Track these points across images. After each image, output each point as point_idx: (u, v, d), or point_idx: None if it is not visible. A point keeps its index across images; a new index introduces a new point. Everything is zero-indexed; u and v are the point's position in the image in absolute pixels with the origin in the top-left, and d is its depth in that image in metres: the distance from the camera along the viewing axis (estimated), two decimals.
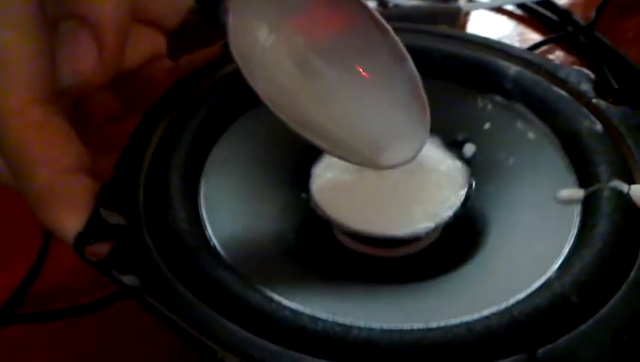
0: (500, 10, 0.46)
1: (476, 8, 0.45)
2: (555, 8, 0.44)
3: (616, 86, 0.38)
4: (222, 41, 0.28)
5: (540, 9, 0.44)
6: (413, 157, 0.23)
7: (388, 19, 0.25)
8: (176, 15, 0.28)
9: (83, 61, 0.21)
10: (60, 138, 0.22)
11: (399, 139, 0.24)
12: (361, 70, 0.24)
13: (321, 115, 0.23)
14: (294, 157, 0.25)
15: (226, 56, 0.26)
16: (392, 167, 0.23)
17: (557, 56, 0.42)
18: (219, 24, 0.31)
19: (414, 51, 0.27)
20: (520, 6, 0.45)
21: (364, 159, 0.23)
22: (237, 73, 0.25)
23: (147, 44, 0.28)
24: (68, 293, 0.30)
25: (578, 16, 0.44)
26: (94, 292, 0.29)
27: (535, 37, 0.44)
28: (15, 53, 0.21)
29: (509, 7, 0.46)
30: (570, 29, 0.43)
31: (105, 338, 0.29)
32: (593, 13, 0.43)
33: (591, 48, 0.41)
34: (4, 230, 0.34)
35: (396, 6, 0.40)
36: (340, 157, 0.23)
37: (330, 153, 0.23)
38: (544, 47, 0.42)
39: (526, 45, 0.42)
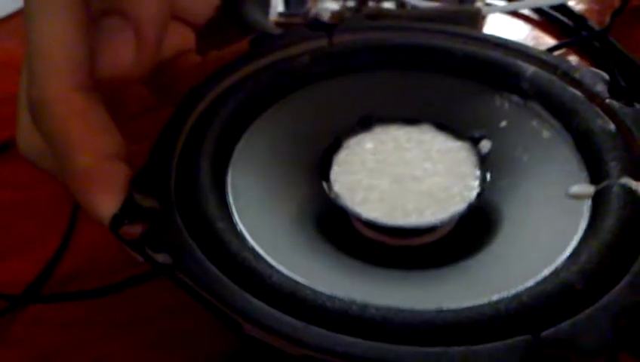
0: (516, 13, 0.47)
1: (493, 12, 0.46)
2: (570, 13, 0.45)
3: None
4: (249, 38, 0.29)
5: (556, 14, 0.45)
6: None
7: (411, 19, 0.26)
8: (205, 12, 0.30)
9: (122, 55, 0.22)
10: (100, 125, 0.23)
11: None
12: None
13: None
14: (317, 148, 0.26)
15: (253, 53, 0.28)
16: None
17: (571, 60, 0.43)
18: (243, 22, 0.32)
19: (437, 50, 0.28)
20: (536, 10, 0.47)
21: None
22: (263, 69, 0.27)
23: (178, 39, 0.29)
24: (94, 273, 0.32)
25: (593, 21, 0.45)
26: (118, 273, 0.30)
27: (550, 41, 0.45)
28: (59, 42, 0.23)
29: (525, 11, 0.47)
30: (584, 33, 0.44)
31: (127, 316, 0.30)
32: (608, 19, 0.44)
33: (604, 53, 0.42)
34: (31, 215, 0.36)
35: (414, 7, 0.41)
36: None
37: None
38: (559, 52, 0.43)
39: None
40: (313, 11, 0.48)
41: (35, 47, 0.23)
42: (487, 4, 0.47)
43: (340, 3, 0.47)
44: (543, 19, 0.46)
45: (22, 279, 0.32)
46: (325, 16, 0.47)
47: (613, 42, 0.42)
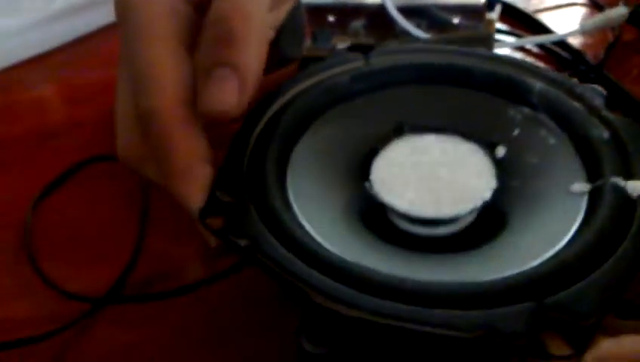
0: (521, 48, 0.52)
1: (502, 47, 0.52)
2: (569, 48, 0.50)
3: None
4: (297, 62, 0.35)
5: (556, 49, 0.50)
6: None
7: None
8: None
9: (229, 97, 0.28)
10: (195, 133, 0.28)
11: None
12: None
13: None
14: (359, 152, 0.31)
15: (303, 74, 0.33)
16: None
17: None
18: (282, 56, 0.37)
19: (459, 69, 0.33)
20: (538, 45, 0.52)
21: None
22: (311, 87, 0.32)
23: None
24: (162, 280, 0.36)
25: (590, 55, 0.50)
26: (183, 280, 0.35)
27: None
28: (162, 63, 0.28)
29: (529, 46, 0.52)
30: (582, 67, 0.49)
31: (190, 316, 0.35)
32: (602, 53, 0.49)
33: (599, 84, 0.47)
34: (102, 230, 0.40)
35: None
36: None
37: None
38: None
39: None
40: (337, 47, 0.53)
41: (143, 66, 0.28)
42: (496, 40, 0.52)
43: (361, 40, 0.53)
44: (545, 54, 0.51)
45: (98, 285, 0.36)
46: None
47: (606, 75, 0.47)
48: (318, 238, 0.27)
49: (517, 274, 0.25)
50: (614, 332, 0.24)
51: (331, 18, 0.52)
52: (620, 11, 0.50)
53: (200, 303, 0.35)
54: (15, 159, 0.47)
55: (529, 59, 0.51)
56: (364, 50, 0.34)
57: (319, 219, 0.28)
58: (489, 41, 0.45)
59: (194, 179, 0.27)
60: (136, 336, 0.35)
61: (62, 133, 0.49)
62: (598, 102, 0.31)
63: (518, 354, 0.23)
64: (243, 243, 0.26)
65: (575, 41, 0.51)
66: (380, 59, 0.34)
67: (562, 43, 0.50)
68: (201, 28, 0.29)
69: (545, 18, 0.54)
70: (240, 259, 0.32)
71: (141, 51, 0.29)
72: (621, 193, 0.27)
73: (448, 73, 0.33)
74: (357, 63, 0.33)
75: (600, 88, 0.32)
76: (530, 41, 0.51)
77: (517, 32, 0.53)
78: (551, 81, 0.32)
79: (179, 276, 0.36)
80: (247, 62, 0.28)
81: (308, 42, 0.52)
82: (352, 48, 0.34)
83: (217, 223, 0.27)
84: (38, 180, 0.44)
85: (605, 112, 0.30)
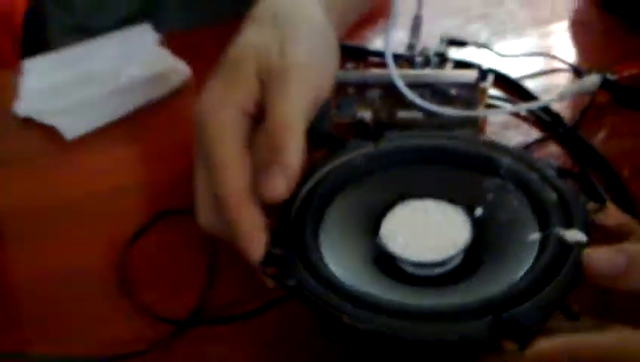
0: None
1: (495, 113, 0.62)
2: (549, 112, 0.60)
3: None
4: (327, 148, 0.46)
5: (539, 112, 0.61)
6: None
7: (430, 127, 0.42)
8: None
9: (278, 187, 0.39)
10: (255, 210, 0.39)
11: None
12: None
13: None
14: (372, 215, 0.42)
15: (331, 157, 0.44)
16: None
17: (551, 149, 0.57)
18: (315, 132, 0.48)
19: (446, 151, 0.44)
20: None
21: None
22: (337, 167, 0.43)
23: None
24: (235, 305, 0.46)
25: (570, 116, 0.60)
26: (254, 302, 0.45)
27: (535, 133, 0.59)
28: (228, 160, 0.40)
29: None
30: (560, 129, 0.59)
31: (266, 336, 0.44)
32: (578, 115, 0.59)
33: (574, 144, 0.57)
34: (178, 267, 0.51)
35: (433, 115, 0.57)
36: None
37: None
38: (542, 143, 0.58)
39: (530, 139, 0.58)
40: (359, 115, 0.64)
41: (215, 163, 0.40)
42: (490, 105, 0.63)
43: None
44: (532, 116, 0.61)
45: (181, 311, 0.45)
46: (368, 118, 0.63)
47: (579, 135, 0.57)
48: (344, 279, 0.38)
49: (483, 298, 0.36)
50: (553, 333, 0.33)
51: (351, 90, 0.62)
52: (593, 79, 0.60)
53: (265, 327, 0.45)
54: (103, 211, 0.57)
55: (517, 120, 0.62)
56: (376, 134, 0.45)
57: (344, 265, 0.39)
58: (476, 122, 0.56)
59: (255, 243, 0.39)
60: (215, 355, 0.44)
61: (137, 188, 0.59)
62: (551, 172, 0.41)
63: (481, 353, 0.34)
64: (291, 283, 0.37)
65: (558, 105, 0.61)
66: (386, 145, 0.45)
67: (545, 108, 0.61)
68: (256, 132, 0.41)
69: (530, 83, 0.65)
70: (288, 295, 0.42)
71: (213, 151, 0.40)
72: (561, 240, 0.37)
73: (439, 154, 0.44)
74: (368, 148, 0.45)
75: (553, 162, 0.42)
76: (520, 108, 0.61)
77: (509, 98, 0.63)
78: (516, 158, 0.43)
79: (248, 302, 0.46)
80: (290, 161, 0.39)
81: (333, 111, 0.63)
82: (361, 134, 0.46)
83: (272, 271, 0.38)
84: (124, 228, 0.54)
85: (555, 181, 0.41)
